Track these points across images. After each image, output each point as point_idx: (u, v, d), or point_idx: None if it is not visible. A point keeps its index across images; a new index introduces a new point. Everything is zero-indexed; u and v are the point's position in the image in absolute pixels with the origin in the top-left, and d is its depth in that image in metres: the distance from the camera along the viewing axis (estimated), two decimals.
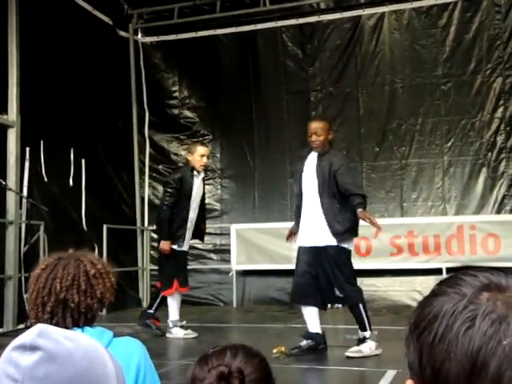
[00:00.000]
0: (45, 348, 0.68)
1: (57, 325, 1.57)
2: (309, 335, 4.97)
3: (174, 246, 6.00)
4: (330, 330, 5.74)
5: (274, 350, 4.70)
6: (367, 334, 4.87)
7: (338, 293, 4.88)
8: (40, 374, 0.67)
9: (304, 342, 4.93)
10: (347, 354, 4.81)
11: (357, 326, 4.97)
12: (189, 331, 6.02)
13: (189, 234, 6.14)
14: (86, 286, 1.62)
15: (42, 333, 0.70)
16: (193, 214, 6.13)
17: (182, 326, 6.06)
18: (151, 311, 6.21)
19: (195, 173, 6.06)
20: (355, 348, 4.85)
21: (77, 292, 1.60)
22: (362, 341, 4.88)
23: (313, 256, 4.97)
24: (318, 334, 5.01)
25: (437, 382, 0.57)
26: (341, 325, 6.31)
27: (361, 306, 4.91)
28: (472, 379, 0.54)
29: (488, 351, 0.54)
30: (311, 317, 5.01)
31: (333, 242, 4.91)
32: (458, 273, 0.63)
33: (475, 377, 0.54)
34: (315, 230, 4.95)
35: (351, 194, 4.81)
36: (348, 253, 5.00)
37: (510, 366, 0.54)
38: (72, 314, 1.60)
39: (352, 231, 4.99)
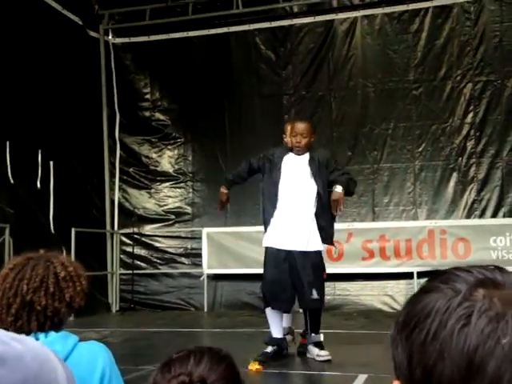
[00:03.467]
0: None
1: (21, 328, 1.52)
2: (274, 341, 4.87)
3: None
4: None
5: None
6: (322, 336, 4.89)
7: (315, 295, 4.73)
8: None
9: (270, 349, 4.83)
10: (321, 358, 4.74)
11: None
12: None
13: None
14: (55, 289, 1.55)
15: None
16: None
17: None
18: None
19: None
20: (323, 352, 4.78)
21: (44, 294, 1.53)
22: (320, 343, 4.85)
23: (289, 258, 4.79)
24: (282, 339, 4.92)
25: None
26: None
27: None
28: (468, 381, 0.50)
29: (486, 350, 0.50)
30: (277, 321, 4.90)
31: (319, 246, 4.81)
32: (450, 268, 0.60)
33: (472, 379, 0.50)
34: (298, 233, 4.77)
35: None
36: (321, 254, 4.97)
37: (510, 367, 0.50)
38: (38, 317, 1.53)
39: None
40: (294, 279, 4.79)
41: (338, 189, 4.75)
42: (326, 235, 4.87)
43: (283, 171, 4.90)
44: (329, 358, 4.76)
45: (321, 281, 4.85)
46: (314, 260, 4.80)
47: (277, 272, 4.80)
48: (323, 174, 4.84)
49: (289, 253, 4.81)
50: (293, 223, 4.81)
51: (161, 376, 1.05)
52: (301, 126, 4.89)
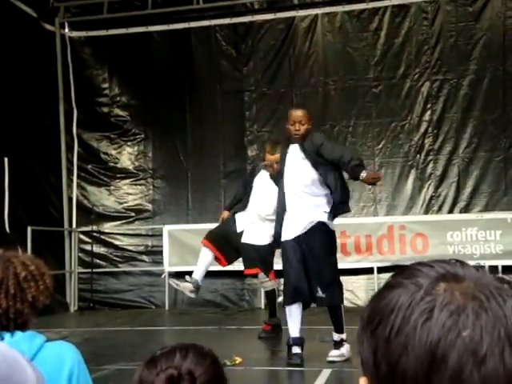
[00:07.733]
0: None
1: None
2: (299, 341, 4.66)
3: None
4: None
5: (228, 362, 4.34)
6: (344, 336, 4.67)
7: (320, 293, 4.58)
8: None
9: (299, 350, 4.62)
10: (330, 358, 4.54)
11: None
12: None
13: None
14: (16, 290, 1.51)
15: None
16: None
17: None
18: None
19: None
20: (336, 352, 4.60)
21: (5, 297, 1.50)
22: (340, 343, 4.65)
23: (299, 245, 4.61)
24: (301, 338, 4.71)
25: (393, 379, 0.54)
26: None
27: (342, 306, 4.72)
28: (431, 373, 0.52)
29: (447, 343, 0.52)
30: (298, 318, 4.71)
31: (320, 217, 4.61)
32: (413, 264, 0.61)
33: (434, 371, 0.52)
34: (300, 216, 4.61)
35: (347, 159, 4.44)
36: (334, 235, 4.81)
37: (470, 359, 0.51)
38: (0, 319, 1.47)
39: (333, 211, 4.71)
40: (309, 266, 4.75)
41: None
42: None
43: (286, 169, 4.84)
44: (337, 359, 4.54)
45: (329, 270, 4.76)
46: (321, 235, 4.82)
47: (296, 265, 4.72)
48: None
49: (297, 239, 4.72)
50: (292, 212, 4.82)
51: (147, 372, 1.03)
52: (297, 114, 4.66)
